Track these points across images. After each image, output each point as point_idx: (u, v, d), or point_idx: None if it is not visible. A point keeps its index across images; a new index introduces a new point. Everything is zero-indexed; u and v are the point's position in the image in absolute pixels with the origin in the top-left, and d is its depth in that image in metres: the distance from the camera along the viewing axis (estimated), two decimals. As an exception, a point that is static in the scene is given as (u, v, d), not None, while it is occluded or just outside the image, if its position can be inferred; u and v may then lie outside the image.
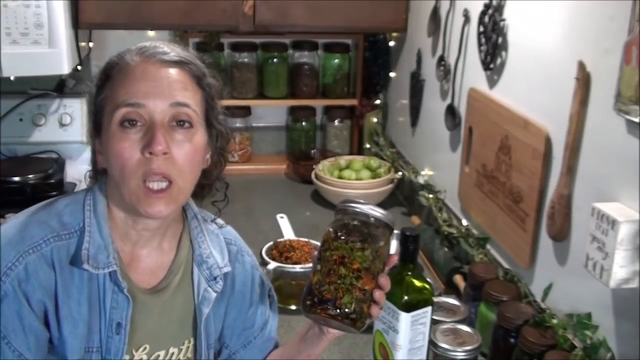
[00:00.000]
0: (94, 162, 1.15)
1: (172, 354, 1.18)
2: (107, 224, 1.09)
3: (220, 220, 1.27)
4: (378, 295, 1.09)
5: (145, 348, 1.14)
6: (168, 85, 1.04)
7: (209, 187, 1.20)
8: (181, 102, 1.04)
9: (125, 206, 1.08)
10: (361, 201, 1.14)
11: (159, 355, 1.16)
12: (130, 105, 1.02)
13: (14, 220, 1.08)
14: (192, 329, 1.20)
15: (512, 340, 1.42)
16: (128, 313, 1.09)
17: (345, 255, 1.08)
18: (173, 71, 1.06)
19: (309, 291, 1.09)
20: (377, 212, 1.13)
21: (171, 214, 1.11)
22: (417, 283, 1.33)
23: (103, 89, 1.07)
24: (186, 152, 1.05)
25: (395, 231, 1.98)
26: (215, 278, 1.19)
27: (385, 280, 1.11)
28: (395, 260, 1.15)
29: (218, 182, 1.21)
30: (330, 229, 1.13)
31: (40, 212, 1.09)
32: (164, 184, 1.03)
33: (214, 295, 1.19)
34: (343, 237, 1.10)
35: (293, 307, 1.72)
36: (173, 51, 1.08)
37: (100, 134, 1.08)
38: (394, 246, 1.97)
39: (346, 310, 1.06)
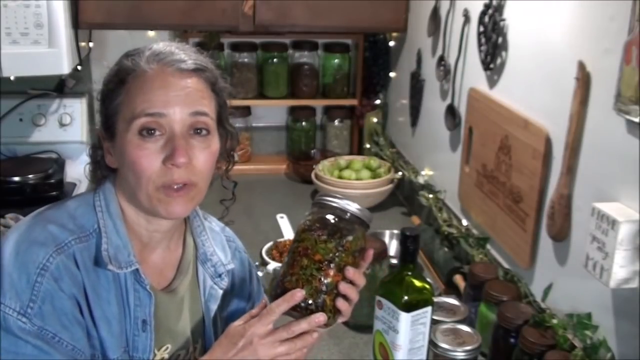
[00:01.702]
0: (98, 161, 1.14)
1: (191, 352, 1.19)
2: (122, 223, 1.09)
3: (219, 222, 1.29)
4: (343, 287, 1.07)
5: (167, 348, 1.15)
6: (187, 95, 1.05)
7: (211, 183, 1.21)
8: (200, 111, 1.05)
9: (137, 207, 1.09)
10: (337, 195, 1.13)
11: (179, 355, 1.17)
12: (151, 115, 1.02)
13: (27, 224, 1.05)
14: (202, 327, 1.22)
15: (512, 340, 1.42)
16: (151, 309, 1.10)
17: (309, 247, 1.07)
18: (191, 80, 1.06)
19: (275, 283, 1.09)
20: (352, 207, 1.11)
21: (188, 214, 1.12)
22: (417, 283, 1.33)
23: (117, 94, 1.06)
24: (205, 158, 1.06)
25: (395, 231, 2.01)
26: (220, 275, 1.21)
27: (352, 274, 1.07)
28: (371, 256, 1.13)
29: (226, 180, 1.23)
30: (305, 222, 1.12)
31: (53, 215, 1.07)
32: (183, 184, 1.05)
33: (220, 292, 1.21)
34: (312, 230, 1.09)
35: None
36: (189, 58, 1.07)
37: (114, 137, 1.07)
38: (394, 246, 1.99)
39: (308, 302, 1.05)
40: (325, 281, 1.06)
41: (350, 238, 1.09)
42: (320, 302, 1.06)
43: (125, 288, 1.08)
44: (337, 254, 1.07)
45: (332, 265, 1.07)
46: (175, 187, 1.04)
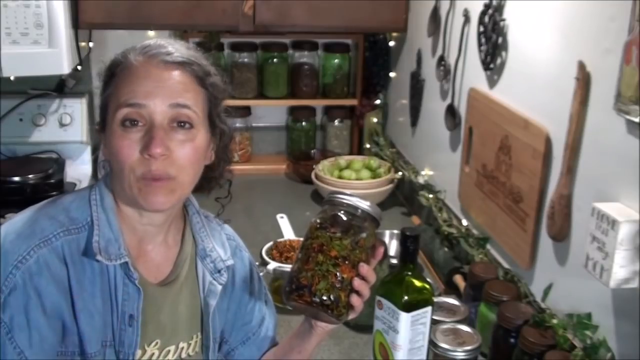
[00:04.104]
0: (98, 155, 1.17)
1: (182, 348, 1.19)
2: (116, 216, 1.10)
3: (219, 220, 1.29)
4: (357, 283, 1.09)
5: (156, 343, 1.15)
6: (169, 87, 1.05)
7: (215, 180, 1.22)
8: (181, 103, 1.05)
9: (124, 198, 1.10)
10: (348, 193, 1.15)
11: (169, 351, 1.17)
12: (131, 106, 1.03)
13: (20, 216, 1.08)
14: (200, 323, 1.21)
15: (512, 340, 1.42)
16: (139, 304, 1.10)
17: (324, 243, 1.09)
18: (175, 73, 1.06)
19: (289, 279, 1.11)
20: (363, 204, 1.13)
21: (172, 207, 1.11)
22: (417, 283, 1.33)
23: (108, 86, 1.09)
24: (187, 152, 1.06)
25: (395, 231, 2.01)
26: (219, 271, 1.21)
27: (366, 270, 1.10)
28: (381, 253, 1.15)
29: (222, 178, 1.23)
30: (316, 219, 1.14)
31: (47, 208, 1.09)
32: (162, 176, 1.05)
33: (219, 287, 1.21)
34: (325, 227, 1.11)
35: (285, 302, 1.72)
36: (177, 51, 1.08)
37: (105, 129, 1.09)
38: (394, 246, 1.99)
39: (323, 297, 1.07)
40: (341, 277, 1.08)
41: (364, 235, 1.12)
42: (335, 297, 1.08)
43: (114, 282, 1.08)
44: (352, 251, 1.09)
45: (347, 261, 1.09)
46: (153, 178, 1.04)
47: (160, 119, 1.04)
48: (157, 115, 1.04)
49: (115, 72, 1.08)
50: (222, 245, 1.24)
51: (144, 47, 1.08)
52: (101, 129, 1.11)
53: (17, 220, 1.07)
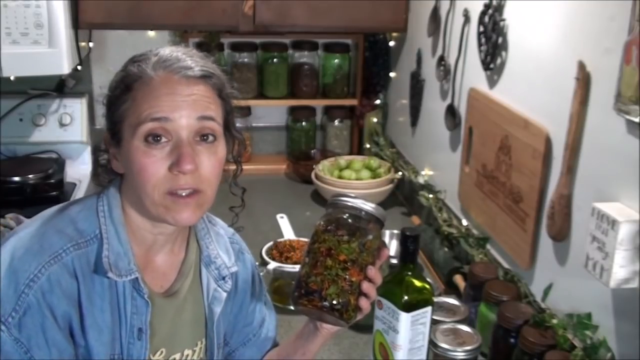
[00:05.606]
0: (103, 165, 1.14)
1: (187, 355, 1.18)
2: (125, 229, 1.08)
3: (227, 226, 1.29)
4: (366, 286, 1.10)
5: (161, 352, 1.14)
6: (194, 101, 1.03)
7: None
8: (207, 116, 1.04)
9: (143, 213, 1.08)
10: (352, 195, 1.14)
11: (174, 359, 1.17)
12: (157, 120, 1.01)
13: (27, 230, 1.05)
14: (204, 329, 1.21)
15: (512, 340, 1.42)
16: (147, 318, 1.09)
17: (332, 247, 1.09)
18: (198, 87, 1.04)
19: (297, 284, 1.10)
20: (368, 206, 1.13)
21: (196, 221, 1.11)
22: (417, 283, 1.33)
23: (123, 100, 1.04)
24: (212, 166, 1.05)
25: (395, 231, 2.01)
26: (224, 278, 1.21)
27: (374, 273, 1.11)
28: (386, 254, 1.15)
29: (235, 187, 1.22)
30: (321, 222, 1.13)
31: (54, 220, 1.07)
32: (191, 190, 1.03)
33: (224, 294, 1.20)
34: (331, 230, 1.10)
35: (293, 307, 1.72)
36: (197, 64, 1.05)
37: (120, 144, 1.06)
38: (394, 246, 1.99)
39: (333, 301, 1.07)
40: (350, 281, 1.08)
41: (370, 237, 1.12)
42: (345, 301, 1.08)
43: (123, 296, 1.07)
44: (360, 254, 1.09)
45: (355, 265, 1.09)
46: (182, 193, 1.03)
47: (186, 134, 1.02)
48: (183, 129, 1.02)
49: (133, 86, 1.03)
50: (227, 250, 1.23)
51: (162, 61, 1.04)
52: (114, 143, 1.07)
53: (23, 235, 1.04)
